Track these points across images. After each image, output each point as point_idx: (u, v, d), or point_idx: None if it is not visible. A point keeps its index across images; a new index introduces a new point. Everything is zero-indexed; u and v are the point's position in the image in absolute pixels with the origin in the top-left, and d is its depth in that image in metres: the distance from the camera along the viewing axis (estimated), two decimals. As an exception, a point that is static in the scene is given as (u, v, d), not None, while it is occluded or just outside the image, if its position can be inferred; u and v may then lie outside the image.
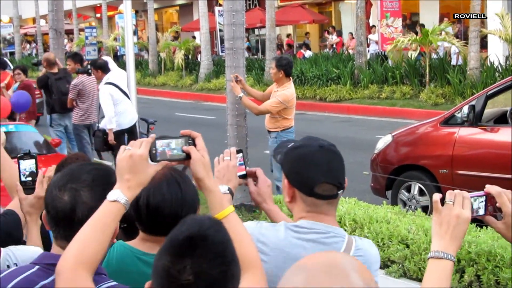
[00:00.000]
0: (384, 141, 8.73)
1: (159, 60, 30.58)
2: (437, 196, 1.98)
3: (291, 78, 8.52)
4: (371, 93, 19.75)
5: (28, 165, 2.86)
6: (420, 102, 18.28)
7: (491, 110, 8.19)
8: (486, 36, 20.79)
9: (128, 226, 2.60)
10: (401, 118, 17.24)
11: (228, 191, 2.47)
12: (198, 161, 2.13)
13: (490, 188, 1.99)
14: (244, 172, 2.63)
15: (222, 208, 2.17)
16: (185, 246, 1.71)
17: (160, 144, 2.11)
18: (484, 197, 1.98)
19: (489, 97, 7.81)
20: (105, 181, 2.19)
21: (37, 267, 2.14)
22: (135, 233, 2.64)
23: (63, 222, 2.15)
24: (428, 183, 8.06)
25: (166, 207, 2.46)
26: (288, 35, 32.81)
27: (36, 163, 2.89)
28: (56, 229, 2.19)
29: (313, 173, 2.35)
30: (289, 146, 2.48)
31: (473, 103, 7.79)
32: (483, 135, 7.74)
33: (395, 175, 8.40)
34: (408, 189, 8.29)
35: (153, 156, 2.09)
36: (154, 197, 2.47)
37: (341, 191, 2.39)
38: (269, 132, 8.53)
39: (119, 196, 2.00)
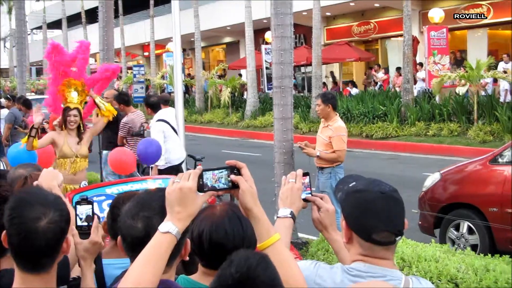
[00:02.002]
0: (432, 178, 8.67)
1: (206, 98, 30.90)
2: None
3: (337, 113, 8.67)
4: (418, 130, 19.63)
5: (84, 210, 2.94)
6: (468, 140, 18.11)
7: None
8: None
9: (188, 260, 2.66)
10: (449, 155, 17.08)
11: (290, 215, 2.50)
12: (247, 191, 2.19)
13: None
14: (308, 194, 2.63)
15: (269, 236, 2.20)
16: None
17: (207, 175, 2.18)
18: None
19: (539, 135, 7.72)
20: None
21: None
22: (192, 266, 2.69)
23: (140, 248, 2.22)
24: (477, 221, 7.96)
25: (228, 243, 2.50)
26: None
27: (92, 209, 2.96)
28: (133, 255, 2.26)
29: (372, 221, 2.34)
30: (350, 185, 2.48)
31: (523, 141, 7.71)
32: (534, 173, 7.64)
33: (443, 213, 8.32)
34: (457, 228, 8.20)
35: (200, 187, 2.16)
36: (217, 233, 2.52)
37: (400, 237, 2.39)
38: (322, 168, 8.63)
39: (171, 228, 2.08)
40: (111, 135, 10.51)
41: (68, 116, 8.06)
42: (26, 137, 7.70)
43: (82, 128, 8.21)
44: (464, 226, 8.12)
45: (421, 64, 24.56)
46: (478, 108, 18.62)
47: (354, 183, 2.48)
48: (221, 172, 2.21)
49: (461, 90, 20.62)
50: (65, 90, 8.16)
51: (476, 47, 26.42)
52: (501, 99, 20.39)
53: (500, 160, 7.96)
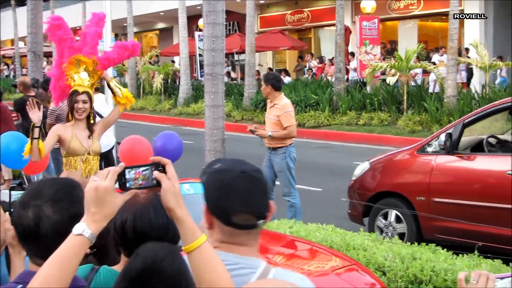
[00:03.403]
0: (361, 168, 8.75)
1: (138, 84, 30.55)
2: (462, 275, 1.96)
3: (281, 92, 9.04)
4: (349, 119, 19.87)
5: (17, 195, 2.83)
6: (398, 129, 18.41)
7: (468, 138, 8.25)
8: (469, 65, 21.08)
9: (98, 251, 2.58)
10: (379, 144, 17.33)
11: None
12: (168, 190, 2.08)
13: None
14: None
15: (195, 238, 2.08)
16: (138, 282, 1.67)
17: (130, 173, 2.08)
18: (511, 278, 1.97)
19: (466, 125, 7.86)
20: (67, 194, 2.23)
21: (20, 285, 2.15)
22: (106, 258, 2.62)
23: (31, 238, 2.16)
24: (405, 210, 8.08)
25: (152, 232, 2.44)
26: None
27: None
28: (26, 246, 2.21)
29: (231, 202, 2.19)
30: (214, 167, 2.32)
31: (450, 131, 7.84)
32: (460, 163, 7.78)
33: (372, 202, 8.42)
34: (385, 216, 8.31)
35: (122, 186, 2.06)
36: (141, 222, 2.46)
37: (262, 220, 2.23)
38: (275, 149, 8.81)
39: (84, 230, 1.97)
40: (24, 122, 10.32)
41: (76, 103, 6.46)
42: (29, 143, 6.13)
43: (92, 119, 6.61)
44: (392, 214, 8.23)
45: (352, 54, 24.83)
46: (407, 98, 18.96)
47: (219, 164, 2.32)
48: (146, 169, 2.09)
49: (391, 80, 20.96)
50: (72, 70, 6.56)
51: (406, 38, 26.87)
52: (430, 90, 20.81)
53: (427, 149, 8.08)
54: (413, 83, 20.59)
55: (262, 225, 2.26)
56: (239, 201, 2.19)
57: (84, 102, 6.47)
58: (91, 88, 6.62)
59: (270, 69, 31.09)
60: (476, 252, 6.31)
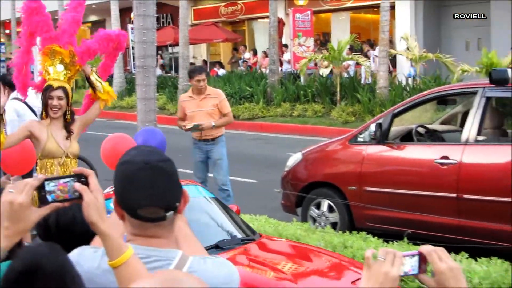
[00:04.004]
0: (294, 158, 8.82)
1: (70, 77, 30.09)
2: (369, 252, 1.96)
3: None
4: (283, 111, 19.98)
5: None
6: (331, 120, 18.62)
7: (397, 128, 8.40)
8: (395, 56, 21.42)
9: None
10: (313, 135, 17.47)
11: None
12: (91, 203, 1.99)
13: (423, 248, 2.00)
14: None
15: (121, 253, 2.00)
16: (21, 281, 1.64)
17: (50, 185, 1.97)
18: (418, 256, 1.99)
19: (395, 116, 8.00)
20: None
21: None
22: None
23: None
24: (337, 200, 8.18)
25: (76, 228, 2.40)
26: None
27: None
28: None
29: (135, 195, 2.12)
30: (122, 158, 2.24)
31: (380, 121, 7.97)
32: (390, 153, 7.92)
33: (305, 192, 8.49)
34: (318, 206, 8.40)
35: (42, 199, 1.95)
36: (64, 217, 2.41)
37: (171, 212, 2.17)
38: (214, 139, 8.81)
39: None
40: None
41: (50, 99, 5.76)
42: None
43: (69, 117, 5.92)
44: (325, 204, 8.33)
45: (286, 46, 24.97)
46: (341, 90, 19.17)
47: (126, 156, 2.24)
48: (67, 181, 2.00)
49: (324, 71, 21.17)
50: (47, 62, 5.87)
51: (339, 30, 27.13)
52: (362, 81, 21.10)
53: (358, 139, 8.20)
54: (346, 75, 20.84)
55: (171, 216, 2.18)
56: (142, 194, 2.11)
57: (60, 98, 5.78)
58: (68, 82, 5.96)
59: (204, 61, 31.02)
60: (405, 239, 6.45)
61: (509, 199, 6.79)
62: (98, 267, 2.13)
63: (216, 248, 4.97)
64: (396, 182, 7.78)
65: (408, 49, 19.14)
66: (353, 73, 21.41)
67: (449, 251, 5.92)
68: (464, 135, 7.34)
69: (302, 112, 19.62)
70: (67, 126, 5.90)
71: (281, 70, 23.56)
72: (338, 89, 19.13)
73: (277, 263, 5.04)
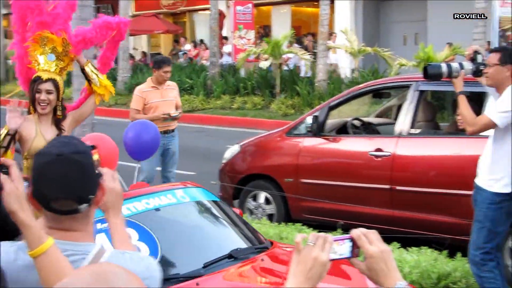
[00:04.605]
0: (232, 151, 8.84)
1: (7, 68, 29.51)
2: (299, 237, 1.94)
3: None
4: (223, 103, 19.99)
5: None
6: (271, 113, 18.70)
7: (333, 120, 8.50)
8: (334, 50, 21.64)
9: None
10: (252, 128, 17.52)
11: None
12: (11, 192, 1.99)
13: (354, 232, 1.98)
14: None
15: (40, 243, 2.00)
16: None
17: None
18: (350, 240, 1.97)
19: (331, 108, 8.09)
20: None
21: None
22: None
23: None
24: (273, 192, 8.24)
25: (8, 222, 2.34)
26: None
27: None
28: None
29: (47, 187, 2.11)
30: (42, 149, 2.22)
31: (316, 114, 8.05)
32: (326, 145, 8.00)
33: (242, 185, 8.53)
34: (255, 198, 8.44)
35: None
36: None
37: (85, 204, 2.16)
38: (173, 130, 8.84)
39: None
40: None
41: (38, 92, 5.09)
42: None
43: (60, 113, 5.23)
44: (261, 196, 8.38)
45: (226, 38, 24.95)
46: (280, 82, 19.28)
47: (45, 147, 2.22)
48: None
49: (264, 64, 21.24)
50: (37, 50, 5.19)
51: (280, 23, 27.25)
52: (302, 74, 21.24)
53: (295, 132, 8.27)
54: (285, 68, 20.95)
55: (86, 209, 2.18)
56: (54, 186, 2.10)
57: (49, 92, 5.07)
58: (60, 74, 5.25)
59: (143, 53, 30.78)
60: (339, 230, 6.54)
61: (439, 191, 6.96)
62: (14, 261, 2.11)
63: (230, 258, 4.46)
64: (332, 174, 7.87)
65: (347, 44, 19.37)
66: (293, 66, 21.53)
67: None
68: (398, 128, 7.48)
69: (241, 104, 19.66)
70: (58, 123, 5.22)
71: (221, 62, 23.54)
72: (277, 82, 19.23)
73: None
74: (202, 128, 18.77)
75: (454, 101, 7.95)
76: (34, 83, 5.12)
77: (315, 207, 7.92)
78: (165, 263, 4.12)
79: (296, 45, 22.90)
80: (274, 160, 8.40)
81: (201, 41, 27.87)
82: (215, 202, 5.17)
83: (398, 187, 7.28)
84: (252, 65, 21.72)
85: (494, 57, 5.32)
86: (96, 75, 5.39)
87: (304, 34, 26.03)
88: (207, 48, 24.39)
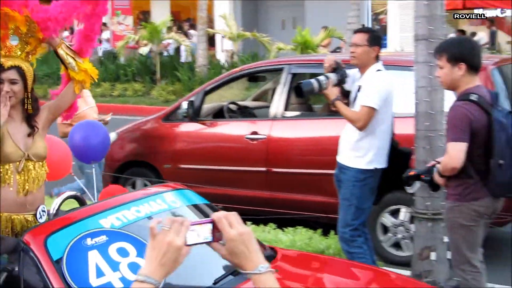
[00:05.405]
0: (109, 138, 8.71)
1: None
2: (154, 222, 1.90)
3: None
4: (103, 91, 19.62)
5: None
6: (152, 99, 18.56)
7: (210, 105, 8.53)
8: (214, 35, 21.69)
9: None
10: (134, 115, 17.31)
11: None
12: None
13: (214, 215, 1.94)
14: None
15: None
16: None
17: None
18: (211, 223, 1.92)
19: (206, 93, 8.11)
20: None
21: None
22: None
23: None
24: (152, 179, 8.20)
25: None
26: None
27: None
28: None
29: None
30: None
31: (192, 99, 8.05)
32: (202, 130, 8.00)
33: (121, 172, 8.43)
34: (134, 186, 8.37)
35: None
36: None
37: None
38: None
39: None
40: None
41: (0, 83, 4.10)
42: None
43: (30, 107, 4.21)
44: (141, 184, 8.31)
45: (105, 24, 24.51)
46: (161, 69, 19.15)
47: None
48: None
49: (144, 50, 21.06)
50: None
51: (159, 9, 26.97)
52: (182, 60, 21.18)
53: (171, 117, 8.25)
54: (165, 53, 20.83)
55: None
56: None
57: (13, 82, 4.09)
58: (26, 59, 4.23)
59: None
60: (216, 213, 6.58)
61: (313, 171, 7.13)
62: None
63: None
64: (209, 158, 7.91)
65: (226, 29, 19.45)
66: (173, 52, 21.43)
67: (258, 223, 6.15)
68: (272, 111, 7.60)
69: (122, 91, 19.40)
70: (29, 119, 4.22)
71: (100, 49, 23.12)
72: (158, 68, 19.10)
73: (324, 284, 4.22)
74: (82, 116, 18.38)
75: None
76: None
77: (194, 192, 7.92)
78: (174, 278, 2.83)
79: (175, 31, 22.79)
80: (152, 146, 8.35)
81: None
82: (206, 205, 4.65)
83: (273, 169, 7.41)
84: (132, 52, 21.46)
85: (362, 38, 5.50)
86: (73, 58, 4.38)
87: (184, 19, 25.92)
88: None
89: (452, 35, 14.68)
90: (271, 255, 4.18)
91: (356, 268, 4.60)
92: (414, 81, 5.45)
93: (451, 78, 4.52)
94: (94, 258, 3.36)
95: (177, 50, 21.98)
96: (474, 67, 4.51)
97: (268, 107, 8.05)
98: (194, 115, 7.91)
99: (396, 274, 4.51)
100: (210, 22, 22.41)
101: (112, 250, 3.46)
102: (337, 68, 5.56)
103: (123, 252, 3.44)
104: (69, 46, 4.45)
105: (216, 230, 1.92)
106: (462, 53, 4.50)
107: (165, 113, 8.40)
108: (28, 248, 3.44)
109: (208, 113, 8.35)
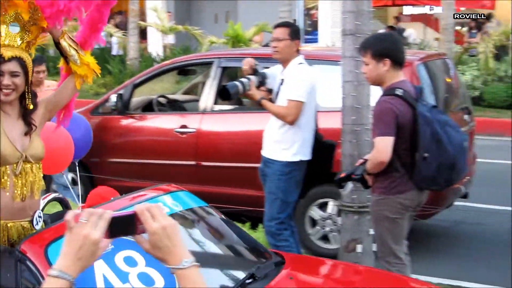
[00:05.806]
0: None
1: None
2: (70, 215, 1.79)
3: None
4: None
5: None
6: (82, 92, 18.19)
7: (139, 98, 8.45)
8: (146, 28, 21.50)
9: None
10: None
11: None
12: None
13: (137, 207, 1.83)
14: None
15: None
16: None
17: None
18: (133, 216, 1.82)
19: (136, 86, 8.03)
20: None
21: None
22: None
23: None
24: (82, 173, 8.05)
25: None
26: None
27: None
28: None
29: None
30: None
31: (121, 92, 7.96)
32: (131, 123, 7.93)
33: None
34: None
35: None
36: None
37: None
38: None
39: None
40: None
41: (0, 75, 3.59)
42: None
43: (29, 102, 3.72)
44: (70, 177, 8.17)
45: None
46: (93, 61, 18.86)
47: None
48: None
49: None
50: None
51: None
52: (113, 52, 20.93)
53: (100, 110, 8.14)
54: (96, 46, 20.53)
55: None
56: None
57: (13, 74, 3.60)
58: (26, 50, 3.74)
59: None
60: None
61: (242, 165, 7.14)
62: None
63: (253, 279, 3.60)
64: (139, 152, 7.84)
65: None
66: (105, 45, 21.15)
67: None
68: (202, 104, 7.57)
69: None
70: (27, 116, 3.76)
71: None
72: (90, 61, 18.81)
73: None
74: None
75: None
76: None
77: (123, 186, 7.82)
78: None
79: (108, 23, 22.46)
80: (80, 140, 8.20)
81: None
82: (206, 207, 4.39)
83: (203, 163, 7.39)
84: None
85: (283, 32, 5.55)
86: (76, 50, 3.92)
87: (115, 12, 25.55)
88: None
89: (381, 30, 14.90)
90: (279, 261, 3.93)
91: (372, 274, 4.42)
92: (340, 76, 5.50)
93: (376, 74, 4.58)
94: (100, 269, 3.07)
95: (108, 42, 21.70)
96: (398, 62, 4.59)
97: (197, 100, 8.02)
98: (123, 108, 7.83)
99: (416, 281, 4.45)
100: (142, 15, 22.19)
101: (119, 259, 3.17)
102: (256, 70, 5.62)
103: (131, 262, 3.19)
104: (71, 37, 3.99)
105: (139, 223, 1.82)
106: (386, 49, 4.57)
107: (93, 106, 8.28)
108: (25, 258, 3.08)
109: (137, 106, 8.27)
